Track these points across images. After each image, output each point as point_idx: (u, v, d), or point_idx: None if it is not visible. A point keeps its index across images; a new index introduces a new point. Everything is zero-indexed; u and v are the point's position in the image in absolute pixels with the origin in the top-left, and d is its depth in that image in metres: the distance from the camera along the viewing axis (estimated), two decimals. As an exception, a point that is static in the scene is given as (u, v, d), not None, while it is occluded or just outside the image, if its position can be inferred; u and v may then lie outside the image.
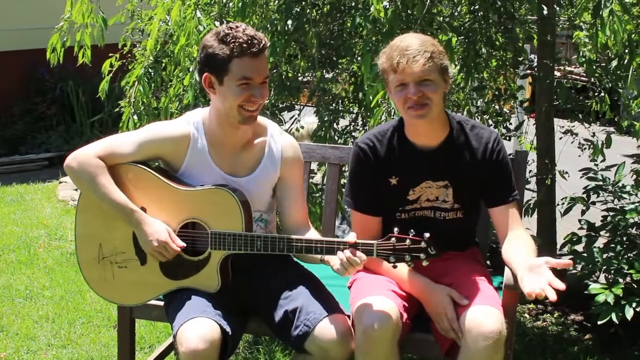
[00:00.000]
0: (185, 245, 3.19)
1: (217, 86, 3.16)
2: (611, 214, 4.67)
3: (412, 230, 2.97)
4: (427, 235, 2.95)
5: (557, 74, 5.50)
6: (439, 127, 3.26)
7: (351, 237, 3.03)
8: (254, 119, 3.25)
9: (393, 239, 2.98)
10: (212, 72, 3.15)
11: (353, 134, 5.23)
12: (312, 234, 3.32)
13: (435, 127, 3.25)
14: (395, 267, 3.04)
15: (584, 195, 4.89)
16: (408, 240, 2.97)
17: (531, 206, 5.21)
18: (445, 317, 3.10)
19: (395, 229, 3.00)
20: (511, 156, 3.54)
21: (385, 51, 3.17)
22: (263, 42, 3.12)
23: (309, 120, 5.55)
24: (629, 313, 4.16)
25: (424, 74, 3.07)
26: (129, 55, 5.26)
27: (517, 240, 3.17)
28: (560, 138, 5.47)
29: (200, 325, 2.99)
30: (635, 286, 4.35)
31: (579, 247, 4.67)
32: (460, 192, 3.29)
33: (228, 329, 3.04)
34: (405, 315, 3.10)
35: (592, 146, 5.34)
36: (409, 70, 3.07)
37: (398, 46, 3.11)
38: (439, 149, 3.26)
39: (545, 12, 4.79)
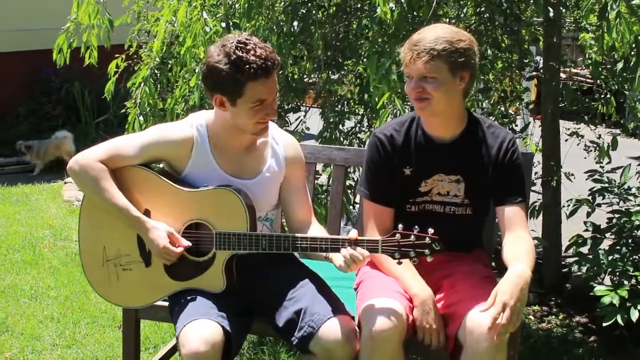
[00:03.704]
0: (190, 244, 3.19)
1: (230, 106, 3.15)
2: (617, 216, 4.67)
3: (416, 227, 2.98)
4: (431, 230, 2.96)
5: (563, 75, 5.50)
6: (454, 122, 3.27)
7: (353, 234, 3.04)
8: (267, 128, 3.27)
9: (397, 235, 2.99)
10: (224, 94, 3.12)
11: (359, 135, 5.23)
12: (317, 231, 3.32)
13: (450, 121, 3.26)
14: (400, 263, 3.04)
15: (590, 197, 4.89)
16: (412, 237, 2.98)
17: (537, 208, 5.21)
18: (429, 336, 3.13)
19: (400, 225, 3.01)
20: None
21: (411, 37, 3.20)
22: (275, 62, 3.09)
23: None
24: (635, 315, 4.16)
25: (426, 71, 3.08)
26: (135, 56, 5.27)
27: (516, 243, 3.15)
28: (566, 140, 5.47)
29: (202, 327, 2.99)
30: (641, 288, 4.35)
31: (585, 249, 4.68)
32: (471, 188, 3.29)
33: (231, 331, 3.04)
34: (411, 317, 3.10)
35: (597, 148, 5.34)
36: (412, 65, 3.10)
37: (413, 38, 3.13)
38: (454, 143, 3.27)
39: (551, 14, 4.79)
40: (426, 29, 3.17)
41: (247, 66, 3.03)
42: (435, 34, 3.10)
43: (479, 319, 2.94)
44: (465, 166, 3.27)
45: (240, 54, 3.04)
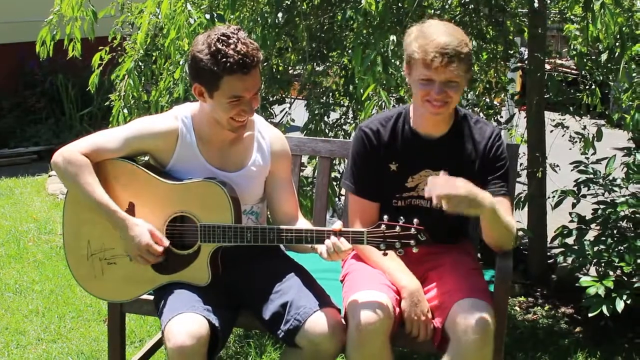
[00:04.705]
0: (168, 243, 3.17)
1: (207, 97, 3.14)
2: (602, 207, 4.67)
3: (401, 217, 2.98)
4: (416, 221, 2.96)
5: (547, 66, 5.50)
6: (444, 118, 3.27)
7: (337, 225, 3.04)
8: (244, 127, 3.24)
9: (383, 226, 2.99)
10: (202, 84, 3.12)
11: (344, 127, 5.22)
12: (302, 224, 3.31)
13: (444, 119, 3.26)
14: (385, 254, 3.04)
15: (575, 189, 4.89)
16: (398, 227, 2.97)
17: (522, 199, 5.21)
18: (417, 328, 3.13)
19: (385, 217, 3.00)
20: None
21: (417, 35, 3.10)
22: (255, 59, 3.06)
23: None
24: (620, 306, 4.18)
25: (455, 76, 3.06)
26: (119, 48, 5.24)
27: None
28: (551, 131, 5.48)
29: (188, 321, 2.98)
30: (626, 279, 4.36)
31: (570, 240, 4.68)
32: None
33: (217, 324, 3.03)
34: (397, 309, 3.10)
35: (582, 139, 5.34)
36: (441, 70, 3.04)
37: (434, 41, 3.03)
38: (442, 139, 3.27)
39: (536, 5, 4.79)
40: (436, 29, 3.08)
41: (224, 59, 3.01)
42: (454, 37, 3.05)
43: (466, 312, 2.95)
44: (452, 162, 3.25)
45: (220, 47, 3.02)
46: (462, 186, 2.93)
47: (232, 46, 3.02)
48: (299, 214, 3.41)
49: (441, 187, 2.91)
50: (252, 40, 3.14)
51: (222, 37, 3.04)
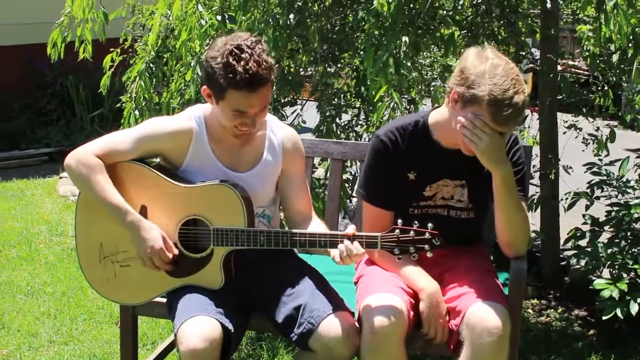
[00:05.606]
0: (177, 253, 3.16)
1: (214, 102, 3.13)
2: (615, 208, 4.65)
3: (415, 222, 2.96)
4: (430, 225, 2.95)
5: (559, 68, 5.48)
6: None
7: (350, 229, 3.02)
8: (251, 136, 3.24)
9: (397, 230, 2.97)
10: (210, 89, 3.11)
11: (355, 129, 5.21)
12: (316, 226, 3.29)
13: None
14: (399, 259, 3.02)
15: (588, 190, 4.87)
16: (412, 232, 2.96)
17: (535, 201, 5.19)
18: (434, 329, 3.11)
19: (399, 221, 2.99)
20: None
21: (490, 78, 2.93)
22: (264, 80, 3.01)
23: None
24: (634, 308, 4.16)
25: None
26: (130, 50, 5.24)
27: None
28: (564, 133, 5.46)
29: (201, 324, 2.97)
30: (640, 281, 4.34)
31: (583, 242, 4.66)
32: (475, 193, 3.26)
33: (230, 327, 3.02)
34: (411, 312, 3.08)
35: (596, 141, 5.32)
36: (506, 128, 3.01)
37: (513, 100, 2.91)
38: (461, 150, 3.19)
39: (548, 5, 4.77)
40: (507, 79, 2.92)
41: (232, 75, 2.98)
42: (524, 91, 2.95)
43: (481, 314, 2.93)
44: (471, 171, 3.21)
45: (231, 61, 2.99)
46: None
47: (242, 62, 2.98)
48: (313, 213, 3.39)
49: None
50: (268, 52, 3.08)
51: (235, 50, 3.00)
